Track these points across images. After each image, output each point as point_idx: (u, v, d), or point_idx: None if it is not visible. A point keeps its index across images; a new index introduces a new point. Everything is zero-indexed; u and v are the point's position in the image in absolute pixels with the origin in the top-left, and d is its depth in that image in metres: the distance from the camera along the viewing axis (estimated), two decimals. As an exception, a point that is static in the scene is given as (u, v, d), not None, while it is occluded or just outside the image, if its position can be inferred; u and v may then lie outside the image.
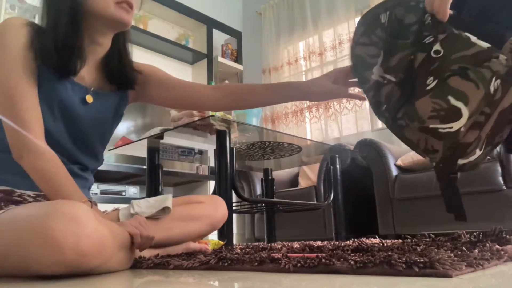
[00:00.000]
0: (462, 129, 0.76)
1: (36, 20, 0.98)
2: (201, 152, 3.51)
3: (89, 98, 1.02)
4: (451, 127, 0.77)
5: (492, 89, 0.74)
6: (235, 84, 1.23)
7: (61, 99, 0.96)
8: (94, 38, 1.00)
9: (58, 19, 0.94)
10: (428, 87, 0.78)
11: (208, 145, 2.15)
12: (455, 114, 0.76)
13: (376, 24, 0.86)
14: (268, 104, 1.19)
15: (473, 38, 0.77)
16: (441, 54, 0.77)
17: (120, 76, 1.07)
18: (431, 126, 0.79)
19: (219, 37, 4.07)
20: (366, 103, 3.36)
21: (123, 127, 3.12)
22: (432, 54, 0.78)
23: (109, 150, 2.12)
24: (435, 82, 0.77)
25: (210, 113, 1.69)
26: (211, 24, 4.00)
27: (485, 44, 0.75)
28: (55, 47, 0.92)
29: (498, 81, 0.74)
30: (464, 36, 0.77)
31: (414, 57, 0.80)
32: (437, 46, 0.78)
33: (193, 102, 1.18)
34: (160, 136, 1.71)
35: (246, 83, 1.19)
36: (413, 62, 0.81)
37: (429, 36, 0.79)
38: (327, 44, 3.65)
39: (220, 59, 3.94)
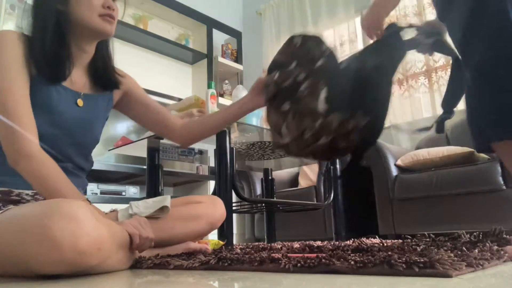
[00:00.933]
0: (287, 141, 0.97)
1: None
2: (201, 152, 3.50)
3: (80, 102, 1.06)
4: (279, 138, 0.99)
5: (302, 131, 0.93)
6: (191, 120, 1.35)
7: (55, 104, 1.00)
8: (81, 46, 1.05)
9: (44, 30, 0.98)
10: (281, 108, 0.98)
11: (208, 145, 2.15)
12: (280, 134, 0.98)
13: (290, 43, 1.06)
14: (215, 128, 1.28)
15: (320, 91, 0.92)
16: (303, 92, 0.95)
17: (105, 78, 1.12)
18: (269, 128, 1.05)
19: (219, 37, 4.07)
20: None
21: (123, 127, 3.12)
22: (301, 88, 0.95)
23: (109, 150, 2.12)
24: (287, 107, 0.96)
25: (210, 112, 1.69)
26: (211, 24, 4.00)
27: (321, 105, 0.91)
28: (43, 56, 0.96)
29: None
30: (316, 85, 0.93)
31: (289, 77, 0.99)
32: (305, 84, 0.94)
33: (161, 129, 1.26)
34: (160, 136, 1.71)
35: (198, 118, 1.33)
36: (286, 80, 1.00)
37: (304, 73, 0.96)
38: (327, 44, 3.64)
39: (220, 59, 3.94)
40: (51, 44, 0.97)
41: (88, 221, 0.75)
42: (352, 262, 0.67)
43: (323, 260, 0.70)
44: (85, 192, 1.17)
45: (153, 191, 1.81)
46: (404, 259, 0.63)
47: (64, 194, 0.90)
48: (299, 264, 0.71)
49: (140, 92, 1.24)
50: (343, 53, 3.49)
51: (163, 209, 1.11)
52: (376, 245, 1.04)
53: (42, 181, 0.90)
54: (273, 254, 0.81)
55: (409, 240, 1.11)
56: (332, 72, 0.95)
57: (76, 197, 0.92)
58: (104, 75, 1.12)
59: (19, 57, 0.94)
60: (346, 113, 0.88)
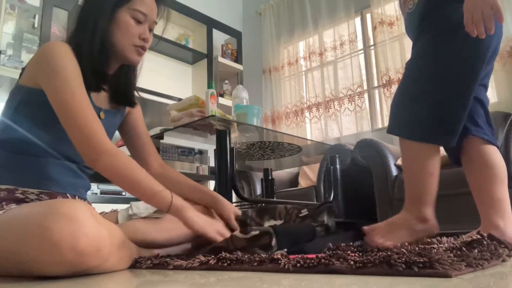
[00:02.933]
0: None
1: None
2: (201, 152, 3.51)
3: (102, 115, 1.10)
4: None
5: None
6: (173, 171, 1.32)
7: None
8: (111, 65, 1.11)
9: (92, 43, 1.03)
10: None
11: (208, 145, 2.15)
12: None
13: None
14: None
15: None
16: None
17: (125, 96, 1.16)
18: None
19: (219, 37, 4.07)
20: (366, 104, 3.36)
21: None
22: None
23: (109, 150, 2.11)
24: None
25: (210, 113, 1.69)
26: (211, 24, 4.00)
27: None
28: (90, 67, 1.02)
29: None
30: None
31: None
32: None
33: (138, 161, 1.27)
34: (160, 136, 1.71)
35: (181, 175, 1.31)
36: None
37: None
38: (327, 44, 3.64)
39: (220, 59, 3.94)
40: (99, 57, 1.03)
41: (88, 222, 0.75)
42: (352, 262, 0.66)
43: (322, 260, 0.70)
44: (86, 193, 1.19)
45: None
46: (403, 259, 0.63)
47: (146, 184, 0.97)
48: (298, 264, 0.71)
49: (138, 119, 1.27)
50: (343, 53, 3.50)
51: (163, 209, 1.11)
52: (376, 245, 1.04)
53: (124, 173, 0.96)
54: (273, 254, 0.81)
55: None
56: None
57: (157, 186, 0.98)
58: (124, 92, 1.16)
59: (77, 67, 0.98)
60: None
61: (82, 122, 0.94)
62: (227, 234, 1.03)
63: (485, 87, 1.21)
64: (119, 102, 1.16)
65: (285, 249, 0.93)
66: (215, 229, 1.03)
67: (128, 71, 1.16)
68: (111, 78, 1.12)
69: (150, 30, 1.10)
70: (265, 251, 0.90)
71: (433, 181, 1.11)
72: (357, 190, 2.52)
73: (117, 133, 1.25)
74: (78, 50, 1.01)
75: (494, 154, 1.17)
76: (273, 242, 0.92)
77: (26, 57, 2.71)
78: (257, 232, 0.94)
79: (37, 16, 2.75)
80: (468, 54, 1.06)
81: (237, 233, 0.95)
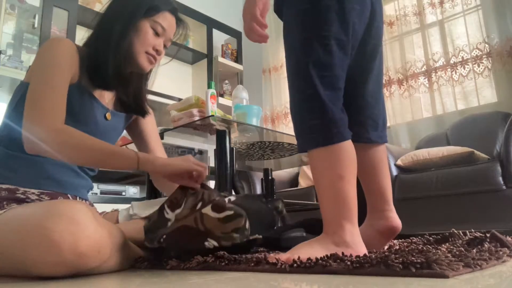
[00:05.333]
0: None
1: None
2: (201, 152, 3.50)
3: (109, 116, 1.12)
4: None
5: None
6: None
7: (87, 113, 1.05)
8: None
9: (114, 54, 1.05)
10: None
11: (208, 145, 2.15)
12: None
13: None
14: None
15: None
16: None
17: (134, 105, 1.17)
18: None
19: (219, 37, 4.07)
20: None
21: (123, 127, 3.12)
22: None
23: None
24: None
25: (210, 113, 1.69)
26: (211, 24, 4.00)
27: None
28: (104, 71, 1.04)
29: None
30: None
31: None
32: None
33: None
34: (160, 136, 1.71)
35: None
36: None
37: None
38: (327, 44, 3.64)
39: (220, 59, 3.94)
40: (118, 63, 1.05)
41: (89, 224, 0.75)
42: (349, 263, 0.66)
43: (319, 260, 0.70)
44: (88, 193, 1.19)
45: (153, 191, 1.82)
46: (401, 259, 0.63)
47: (107, 146, 0.94)
48: (295, 265, 0.71)
49: (149, 122, 1.27)
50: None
51: (162, 209, 1.11)
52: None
53: (82, 140, 0.93)
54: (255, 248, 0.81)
55: (408, 240, 1.11)
56: None
57: (118, 147, 0.99)
58: (134, 102, 1.17)
59: (70, 62, 0.99)
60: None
61: (44, 99, 0.92)
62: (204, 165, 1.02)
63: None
64: (129, 110, 1.18)
65: (261, 236, 0.89)
66: (193, 162, 1.01)
67: (140, 81, 1.18)
68: (122, 84, 1.12)
69: (164, 46, 1.14)
70: (240, 235, 0.84)
71: (346, 187, 0.87)
72: (357, 190, 2.51)
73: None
74: (96, 53, 1.03)
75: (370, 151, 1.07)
76: (247, 224, 0.85)
77: (26, 57, 2.71)
78: (232, 212, 0.85)
79: (37, 16, 2.75)
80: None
81: (208, 210, 0.86)
